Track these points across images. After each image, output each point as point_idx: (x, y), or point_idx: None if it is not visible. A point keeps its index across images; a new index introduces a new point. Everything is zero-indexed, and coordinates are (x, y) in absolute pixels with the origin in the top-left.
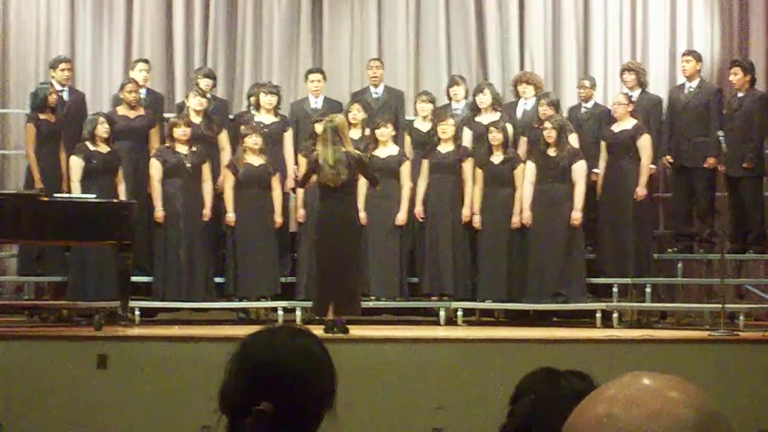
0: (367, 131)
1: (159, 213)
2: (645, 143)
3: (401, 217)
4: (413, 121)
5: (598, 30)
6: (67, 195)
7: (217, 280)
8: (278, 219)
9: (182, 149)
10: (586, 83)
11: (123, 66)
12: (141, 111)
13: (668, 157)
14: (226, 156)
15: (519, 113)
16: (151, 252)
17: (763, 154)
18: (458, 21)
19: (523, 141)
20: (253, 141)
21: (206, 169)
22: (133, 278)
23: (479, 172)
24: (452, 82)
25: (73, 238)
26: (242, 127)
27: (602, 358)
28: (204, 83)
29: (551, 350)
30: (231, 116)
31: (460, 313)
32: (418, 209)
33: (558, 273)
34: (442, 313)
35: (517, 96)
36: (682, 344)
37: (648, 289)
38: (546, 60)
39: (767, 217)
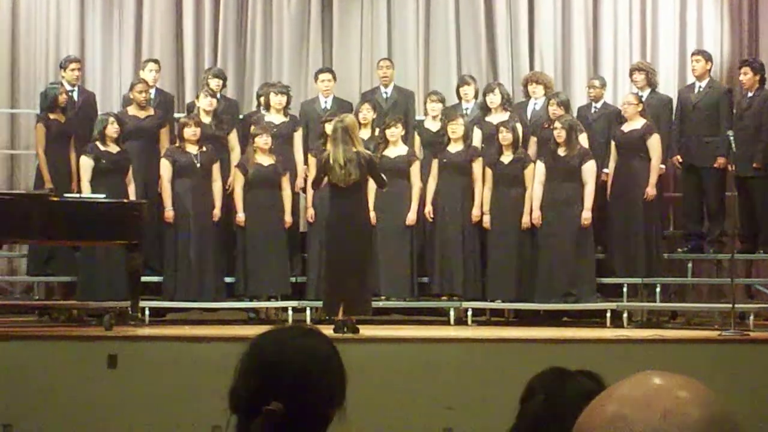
0: (377, 131)
1: (169, 213)
2: (655, 143)
3: (411, 217)
4: (423, 120)
5: (608, 30)
6: (77, 195)
7: (227, 280)
8: (288, 219)
9: (192, 149)
10: (596, 83)
11: (133, 66)
12: (151, 111)
13: (678, 157)
14: (236, 156)
15: (529, 113)
16: (161, 252)
17: None
18: (468, 21)
19: (533, 141)
20: (263, 141)
21: (216, 169)
22: (143, 278)
23: (489, 171)
24: (462, 81)
25: (83, 238)
26: (252, 127)
27: (612, 358)
28: (214, 83)
29: (561, 350)
30: (241, 116)
31: (470, 313)
32: (428, 209)
33: (568, 273)
34: (452, 313)
35: (527, 96)
36: (692, 344)
37: (658, 289)
38: (556, 60)
39: None
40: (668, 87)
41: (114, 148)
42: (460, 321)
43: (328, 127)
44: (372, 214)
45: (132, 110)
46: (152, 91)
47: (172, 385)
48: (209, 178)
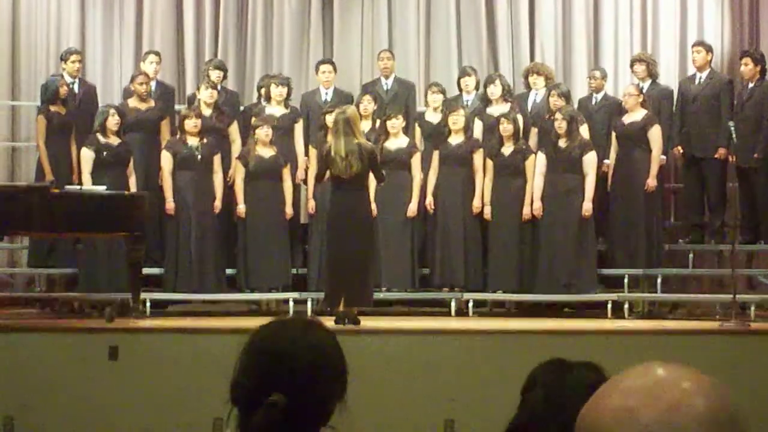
0: (378, 123)
1: (170, 205)
2: (656, 134)
3: (412, 209)
4: (424, 112)
5: (609, 21)
6: (78, 187)
7: (228, 271)
8: (289, 210)
9: (193, 141)
10: (597, 74)
11: (133, 58)
12: (152, 103)
13: (679, 147)
14: (236, 148)
15: (530, 104)
16: (163, 244)
17: None
18: (469, 12)
19: (533, 132)
20: (264, 133)
21: (217, 160)
22: (145, 270)
23: (490, 163)
24: (463, 73)
25: (85, 230)
26: (253, 119)
27: (613, 350)
28: (215, 75)
29: (562, 341)
30: (242, 108)
31: (471, 304)
32: (429, 201)
33: (569, 264)
34: (453, 305)
35: (528, 87)
36: (693, 335)
37: (659, 280)
38: (557, 51)
39: None
40: (669, 78)
41: (115, 140)
42: (462, 312)
43: (329, 119)
44: (373, 206)
45: (133, 102)
46: (153, 83)
47: (173, 377)
48: (210, 170)
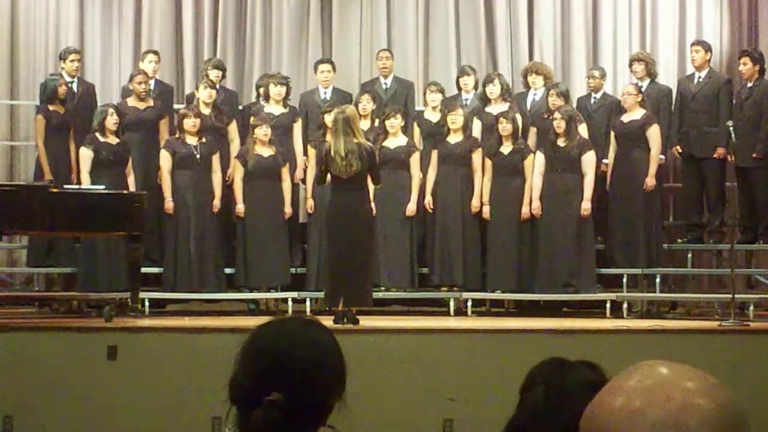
0: (377, 122)
1: (169, 204)
2: (654, 133)
3: (411, 208)
4: (423, 111)
5: (608, 20)
6: (76, 186)
7: (227, 271)
8: (288, 210)
9: (192, 140)
10: (596, 73)
11: (132, 57)
12: (150, 102)
13: (678, 147)
14: (235, 147)
15: (528, 104)
16: (161, 243)
17: None
18: (468, 11)
19: (532, 131)
20: (262, 132)
21: (216, 160)
22: (143, 269)
23: (489, 162)
24: (462, 72)
25: (83, 229)
26: (252, 118)
27: (612, 349)
28: (213, 74)
29: (561, 341)
30: (240, 107)
31: (470, 303)
32: (428, 200)
33: (568, 263)
34: (452, 304)
35: (527, 86)
36: (692, 334)
37: (658, 280)
38: (555, 50)
39: None
40: (668, 77)
41: (113, 140)
42: (460, 312)
43: (328, 118)
44: (372, 206)
45: (131, 101)
46: (152, 82)
47: (172, 376)
48: (209, 170)
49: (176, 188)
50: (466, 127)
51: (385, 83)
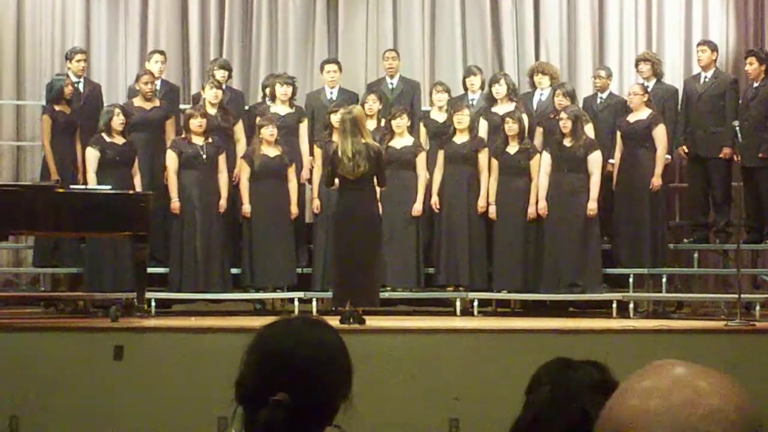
0: (383, 122)
1: (175, 204)
2: (660, 133)
3: (417, 208)
4: (429, 111)
5: (614, 20)
6: (83, 186)
7: (233, 271)
8: (294, 210)
9: (198, 140)
10: (602, 73)
11: (138, 57)
12: (156, 102)
13: (684, 147)
14: (241, 147)
15: (535, 104)
16: (167, 243)
17: None
18: (474, 11)
19: (538, 131)
20: (269, 132)
21: (222, 160)
22: (149, 269)
23: (495, 162)
24: (468, 72)
25: (89, 229)
26: (258, 118)
27: (618, 349)
28: (219, 74)
29: (567, 341)
30: (246, 107)
31: (476, 303)
32: (434, 200)
33: (574, 263)
34: (458, 304)
35: (533, 86)
36: (698, 334)
37: (664, 280)
38: (561, 50)
39: None
40: (674, 77)
41: (120, 140)
42: (466, 312)
43: (334, 118)
44: (378, 206)
45: (138, 101)
46: (158, 82)
47: (178, 376)
48: (215, 170)
49: (182, 188)
50: (472, 127)
51: (392, 83)
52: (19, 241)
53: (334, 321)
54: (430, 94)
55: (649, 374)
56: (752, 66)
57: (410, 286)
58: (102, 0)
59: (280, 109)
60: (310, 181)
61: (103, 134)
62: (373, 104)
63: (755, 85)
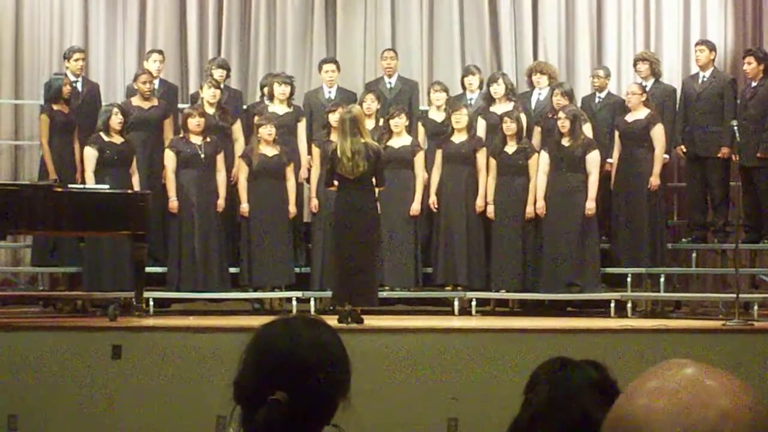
0: (381, 121)
1: (173, 203)
2: (658, 133)
3: (415, 207)
4: (427, 111)
5: (612, 20)
6: (81, 186)
7: (232, 270)
8: (292, 209)
9: (196, 140)
10: (600, 73)
11: (137, 57)
12: (155, 102)
13: (682, 146)
14: (239, 146)
15: (533, 103)
16: (166, 243)
17: None
18: (472, 11)
19: (537, 131)
20: (267, 131)
21: (220, 159)
22: (148, 269)
23: (493, 162)
24: (467, 71)
25: (88, 228)
26: (256, 118)
27: (616, 348)
28: (218, 74)
29: (565, 340)
30: (245, 107)
31: (474, 303)
32: (432, 199)
33: (572, 263)
34: (456, 304)
35: (531, 86)
36: (696, 334)
37: (662, 279)
38: (560, 50)
39: None
40: (672, 77)
41: (118, 139)
42: (465, 311)
43: (332, 118)
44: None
45: (136, 101)
46: (156, 81)
47: (176, 375)
48: (213, 169)
49: (180, 188)
50: (471, 127)
51: (390, 83)
52: (17, 240)
53: (332, 320)
54: (429, 93)
55: (659, 374)
56: (750, 65)
57: (408, 285)
58: None
59: (279, 108)
60: (308, 180)
61: (102, 133)
62: (371, 104)
63: (753, 84)
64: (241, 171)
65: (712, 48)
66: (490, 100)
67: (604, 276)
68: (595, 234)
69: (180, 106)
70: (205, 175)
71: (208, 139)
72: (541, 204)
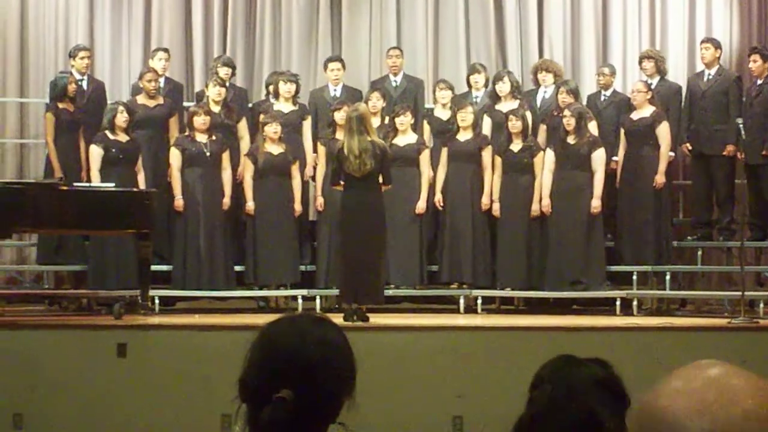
0: (387, 120)
1: (179, 202)
2: (664, 131)
3: (421, 206)
4: (433, 109)
5: (617, 17)
6: (86, 184)
7: (237, 268)
8: (298, 207)
9: (202, 138)
10: (606, 71)
11: (142, 55)
12: (160, 100)
13: (687, 144)
14: (245, 145)
15: (538, 101)
16: (171, 241)
17: None
18: (477, 9)
19: (542, 129)
20: (272, 129)
21: (226, 157)
22: (153, 267)
23: (498, 160)
24: (473, 69)
25: (93, 227)
26: (261, 116)
27: (622, 346)
28: (223, 72)
29: (571, 338)
30: (250, 105)
31: (479, 301)
32: (438, 197)
33: (577, 261)
34: (461, 302)
35: (537, 84)
36: (701, 332)
37: (668, 277)
38: (565, 48)
39: None
40: (677, 75)
41: (123, 137)
42: (470, 309)
43: (338, 116)
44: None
45: (141, 99)
46: (161, 80)
47: (181, 373)
48: (219, 167)
49: (186, 186)
50: (476, 125)
51: (395, 81)
52: (22, 238)
53: (337, 318)
54: (434, 91)
55: (684, 374)
56: (756, 63)
57: (414, 283)
58: None
59: (284, 106)
60: (313, 178)
61: (107, 132)
62: (376, 102)
63: (759, 82)
64: (247, 169)
65: (717, 46)
66: (495, 98)
67: (609, 274)
68: (600, 232)
69: (185, 104)
70: (211, 173)
71: (214, 138)
72: (546, 202)
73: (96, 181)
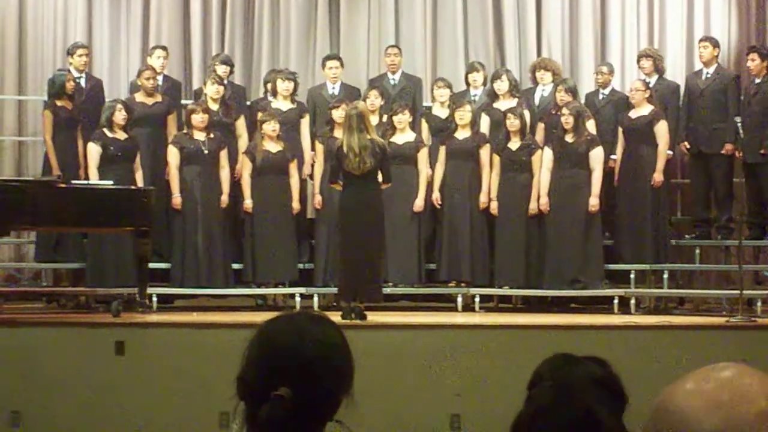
0: (385, 118)
1: (177, 199)
2: (662, 129)
3: (419, 204)
4: (431, 107)
5: (616, 16)
6: (84, 182)
7: (235, 266)
8: (296, 205)
9: (200, 136)
10: (604, 69)
11: (140, 53)
12: (158, 98)
13: (686, 143)
14: (243, 143)
15: (537, 99)
16: (169, 239)
17: None
18: (476, 7)
19: (540, 127)
20: (270, 127)
21: (224, 155)
22: (151, 265)
23: (497, 158)
24: (471, 68)
25: (91, 224)
26: (260, 114)
27: (620, 345)
28: (221, 70)
29: (569, 336)
30: (248, 103)
31: (477, 299)
32: (436, 195)
33: (575, 259)
34: (459, 300)
35: (535, 82)
36: (699, 330)
37: (666, 276)
38: (563, 46)
39: None
40: (676, 73)
41: (121, 135)
42: (468, 307)
43: (336, 114)
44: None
45: (139, 97)
46: (160, 77)
47: (179, 371)
48: (217, 165)
49: (184, 184)
50: (474, 123)
51: (393, 79)
52: (21, 236)
53: (335, 316)
54: (432, 89)
55: (698, 374)
56: (754, 62)
57: (412, 281)
58: None
59: (282, 104)
60: (311, 176)
61: (105, 129)
62: (375, 100)
63: (757, 81)
64: (245, 167)
65: (715, 44)
66: (493, 96)
67: (607, 272)
68: (598, 230)
69: (183, 102)
70: (209, 171)
71: (212, 135)
72: (544, 200)
73: (94, 179)
